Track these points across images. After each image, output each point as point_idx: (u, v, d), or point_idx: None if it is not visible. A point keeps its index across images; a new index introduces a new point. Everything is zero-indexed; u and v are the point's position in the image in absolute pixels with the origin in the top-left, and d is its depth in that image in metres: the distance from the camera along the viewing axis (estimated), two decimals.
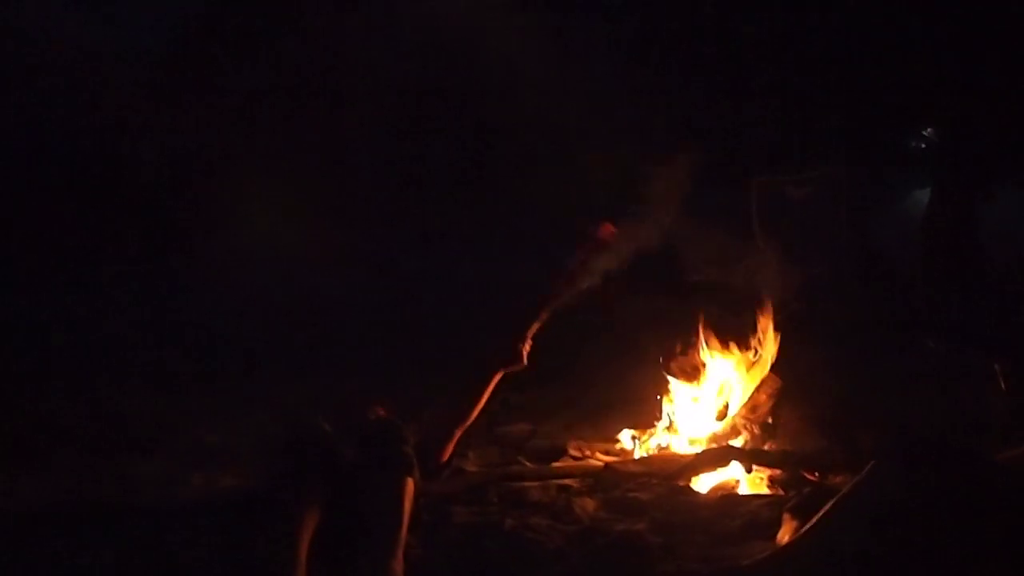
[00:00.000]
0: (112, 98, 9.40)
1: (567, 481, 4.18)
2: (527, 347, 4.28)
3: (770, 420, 4.60)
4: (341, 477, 3.25)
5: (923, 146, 8.76)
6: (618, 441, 4.90)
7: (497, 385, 4.25)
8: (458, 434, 4.20)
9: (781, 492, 4.02)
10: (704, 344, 4.84)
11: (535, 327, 4.32)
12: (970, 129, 7.59)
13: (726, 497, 3.99)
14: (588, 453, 4.71)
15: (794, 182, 7.62)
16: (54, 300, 8.47)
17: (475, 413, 4.22)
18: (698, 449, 4.47)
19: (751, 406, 4.62)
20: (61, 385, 6.25)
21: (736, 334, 4.83)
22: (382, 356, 6.91)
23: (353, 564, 2.97)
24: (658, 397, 5.02)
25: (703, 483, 4.19)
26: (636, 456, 4.63)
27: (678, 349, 4.88)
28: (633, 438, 4.87)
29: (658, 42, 7.77)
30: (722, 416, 4.68)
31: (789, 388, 4.63)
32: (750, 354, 4.75)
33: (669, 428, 4.80)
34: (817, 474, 4.05)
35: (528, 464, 4.54)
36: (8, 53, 9.22)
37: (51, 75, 9.42)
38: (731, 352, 4.82)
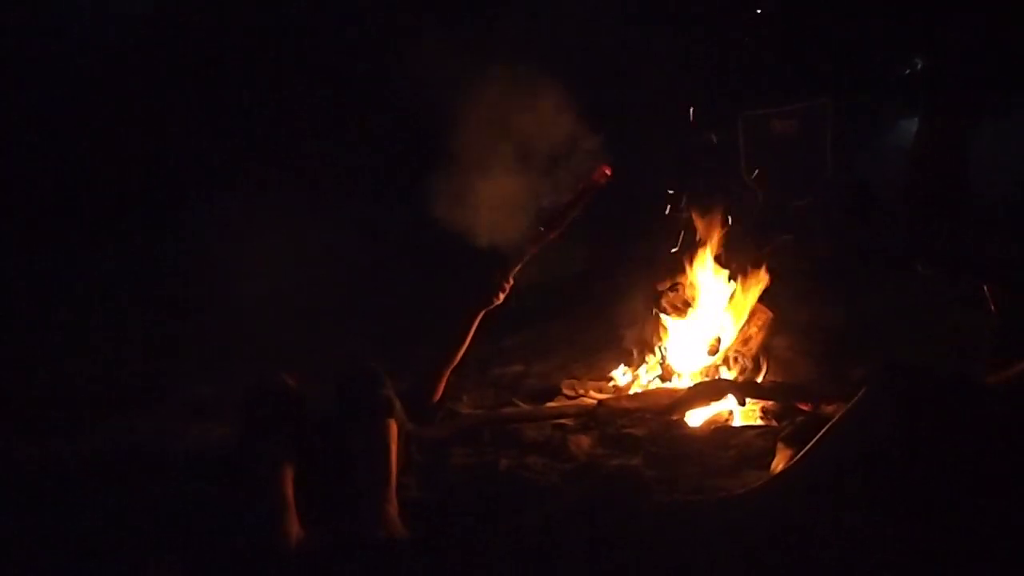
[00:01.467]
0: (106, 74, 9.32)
1: (562, 420, 4.20)
2: (509, 284, 4.28)
3: (761, 353, 4.62)
4: (319, 427, 3.26)
5: (910, 74, 8.69)
6: (611, 379, 4.92)
7: (482, 323, 4.26)
8: (446, 374, 4.22)
9: (774, 423, 4.05)
10: (694, 278, 4.85)
11: (519, 265, 4.32)
12: (960, 56, 7.53)
13: (719, 429, 4.02)
14: (582, 391, 4.73)
15: (779, 114, 7.56)
16: (50, 262, 8.47)
17: (461, 352, 4.23)
18: (691, 383, 4.49)
19: (742, 339, 4.63)
20: (58, 345, 6.28)
21: (725, 266, 4.84)
22: (374, 314, 6.91)
23: (349, 510, 2.99)
24: (650, 333, 5.04)
25: (696, 417, 4.22)
26: (629, 392, 4.65)
27: (668, 285, 4.88)
28: (625, 374, 4.89)
29: None
30: (714, 350, 4.70)
31: (779, 320, 4.64)
32: (739, 286, 4.75)
33: (662, 363, 4.81)
34: (809, 404, 4.07)
35: (522, 404, 4.56)
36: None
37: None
38: (721, 286, 4.83)
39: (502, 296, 4.29)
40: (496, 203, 4.23)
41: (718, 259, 4.85)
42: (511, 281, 4.30)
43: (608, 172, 4.31)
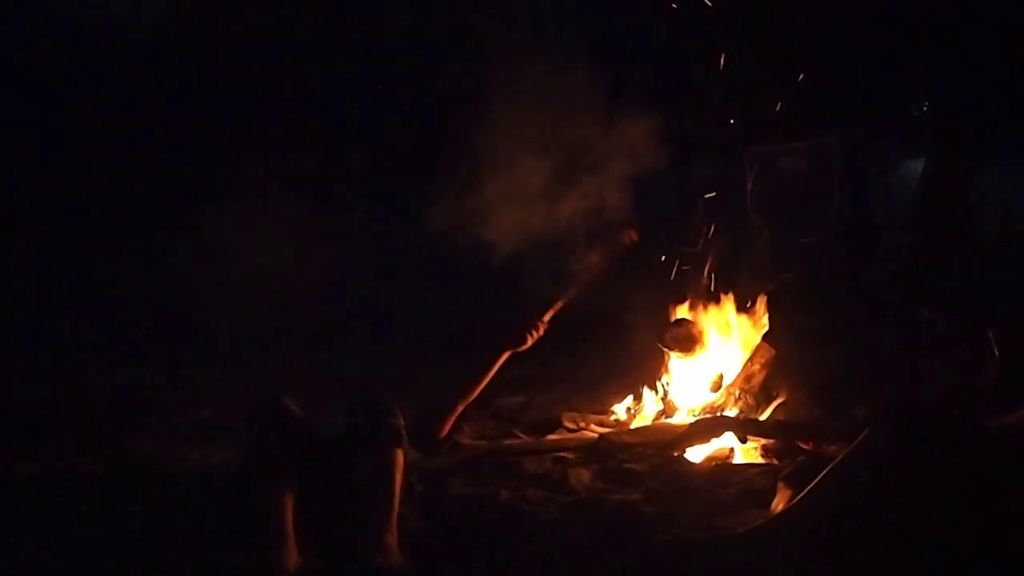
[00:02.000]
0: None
1: (562, 453, 4.20)
2: (538, 333, 4.30)
3: (764, 391, 4.62)
4: (323, 452, 3.26)
5: (920, 114, 8.73)
6: (613, 412, 4.92)
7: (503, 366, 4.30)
8: (459, 409, 4.22)
9: (775, 461, 4.03)
10: (698, 315, 4.87)
11: (548, 316, 4.36)
12: (964, 99, 7.58)
13: (720, 467, 4.01)
14: (583, 424, 4.73)
15: (787, 151, 7.59)
16: (49, 279, 8.50)
17: (478, 391, 4.24)
18: (692, 420, 4.49)
19: (745, 376, 4.63)
20: (58, 363, 6.29)
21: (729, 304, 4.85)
22: (379, 335, 6.94)
23: (348, 537, 2.98)
24: (653, 369, 5.04)
25: (697, 453, 4.21)
26: (631, 427, 4.65)
27: (673, 320, 4.89)
28: (628, 410, 4.89)
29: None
30: (716, 387, 4.70)
31: (783, 358, 4.64)
32: (744, 324, 4.76)
33: (664, 399, 4.81)
34: (811, 443, 4.06)
35: (523, 436, 4.56)
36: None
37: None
38: (724, 323, 4.84)
39: (532, 340, 4.31)
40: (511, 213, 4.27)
41: (723, 296, 4.87)
42: (544, 326, 4.33)
43: (635, 236, 4.37)
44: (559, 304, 4.42)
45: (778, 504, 3.25)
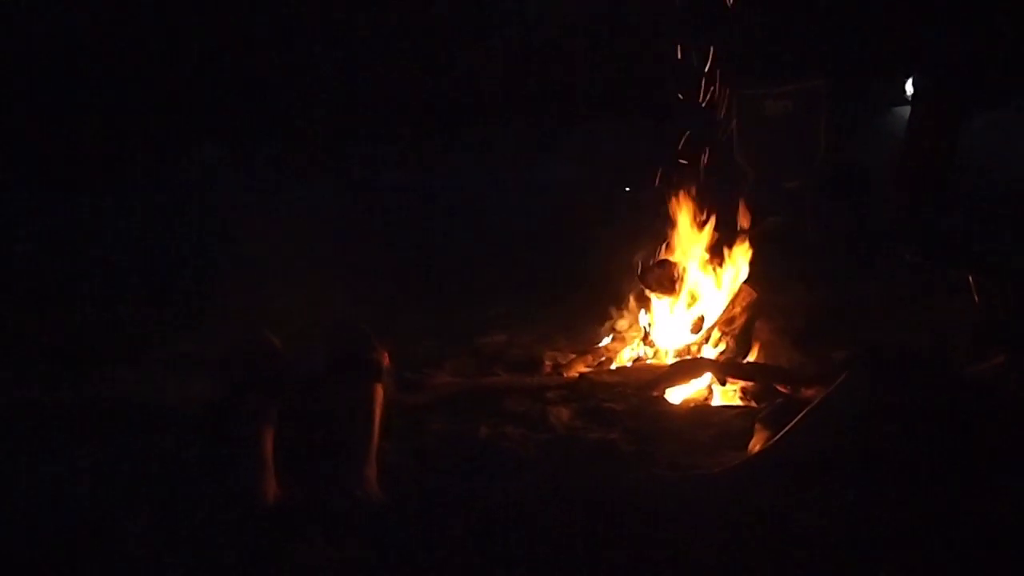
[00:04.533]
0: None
1: (543, 391, 4.21)
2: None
3: (744, 333, 4.63)
4: (303, 386, 3.26)
5: (908, 61, 8.69)
6: (594, 352, 4.93)
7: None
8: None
9: (753, 404, 4.06)
10: (679, 256, 4.86)
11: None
12: (957, 46, 7.53)
13: (699, 408, 4.04)
14: (564, 364, 4.75)
15: (774, 95, 7.53)
16: (26, 213, 8.46)
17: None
18: (672, 361, 4.51)
19: (726, 319, 4.64)
20: (44, 295, 6.28)
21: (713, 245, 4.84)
22: (360, 270, 6.91)
23: (327, 471, 2.99)
24: (633, 309, 5.05)
25: (677, 394, 4.24)
26: (611, 367, 4.66)
27: (655, 261, 4.88)
28: (608, 349, 4.91)
29: None
30: (697, 328, 4.71)
31: (764, 302, 4.65)
32: (724, 267, 4.76)
33: (645, 339, 4.82)
34: (789, 387, 4.09)
35: (504, 375, 4.57)
36: None
37: None
38: (707, 266, 4.84)
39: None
40: None
41: (706, 238, 4.86)
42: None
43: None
44: None
45: (755, 445, 3.28)
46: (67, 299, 6.24)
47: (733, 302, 4.66)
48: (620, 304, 5.21)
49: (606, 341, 5.02)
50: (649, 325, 4.86)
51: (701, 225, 4.88)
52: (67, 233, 8.35)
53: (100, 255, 7.82)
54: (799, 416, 3.01)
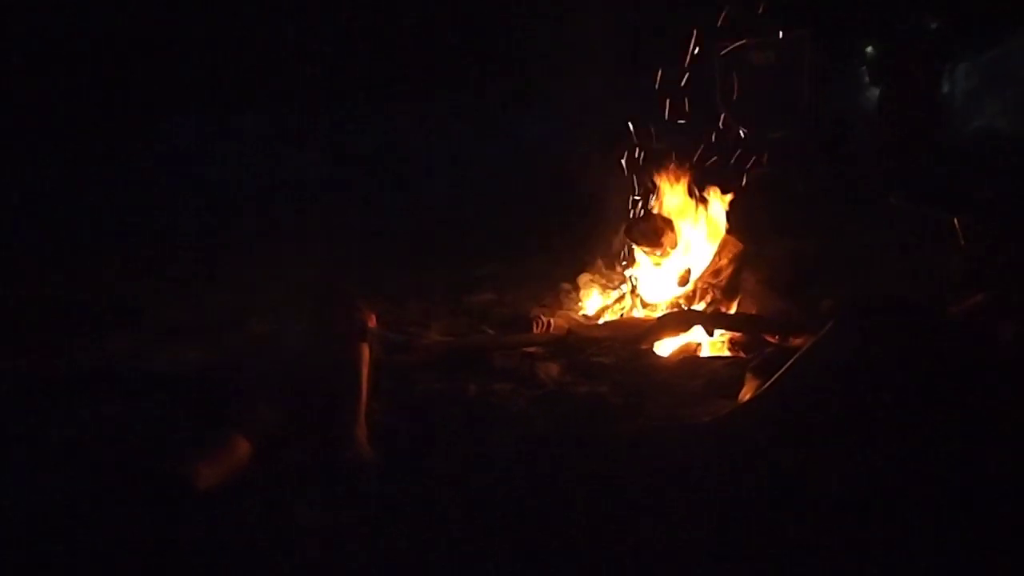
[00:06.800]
0: None
1: (532, 348, 4.20)
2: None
3: (730, 284, 4.63)
4: (291, 348, 3.27)
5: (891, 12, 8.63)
6: (581, 307, 4.92)
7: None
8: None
9: (742, 354, 4.07)
10: (666, 208, 4.85)
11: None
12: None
13: (688, 360, 4.04)
14: (552, 320, 4.73)
15: (758, 46, 7.48)
16: (27, 188, 8.46)
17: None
18: (660, 313, 4.50)
19: (713, 270, 4.63)
20: (36, 263, 6.26)
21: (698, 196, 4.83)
22: (346, 233, 6.90)
23: (317, 432, 2.99)
24: (622, 263, 5.04)
25: (665, 347, 4.24)
26: (599, 321, 4.66)
27: (640, 215, 4.87)
28: (595, 303, 4.90)
29: None
30: (684, 281, 4.70)
31: (750, 252, 4.64)
32: (713, 219, 4.75)
33: (632, 293, 4.82)
34: (777, 336, 4.09)
35: (492, 332, 4.56)
36: None
37: None
38: (693, 218, 4.82)
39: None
40: None
41: (691, 189, 4.84)
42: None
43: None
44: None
45: (745, 394, 3.28)
46: (58, 270, 6.22)
47: (719, 253, 4.65)
48: (606, 258, 5.20)
49: (593, 296, 5.01)
50: (635, 279, 4.85)
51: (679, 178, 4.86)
52: (57, 206, 8.31)
53: (87, 226, 7.81)
54: (788, 364, 3.01)
